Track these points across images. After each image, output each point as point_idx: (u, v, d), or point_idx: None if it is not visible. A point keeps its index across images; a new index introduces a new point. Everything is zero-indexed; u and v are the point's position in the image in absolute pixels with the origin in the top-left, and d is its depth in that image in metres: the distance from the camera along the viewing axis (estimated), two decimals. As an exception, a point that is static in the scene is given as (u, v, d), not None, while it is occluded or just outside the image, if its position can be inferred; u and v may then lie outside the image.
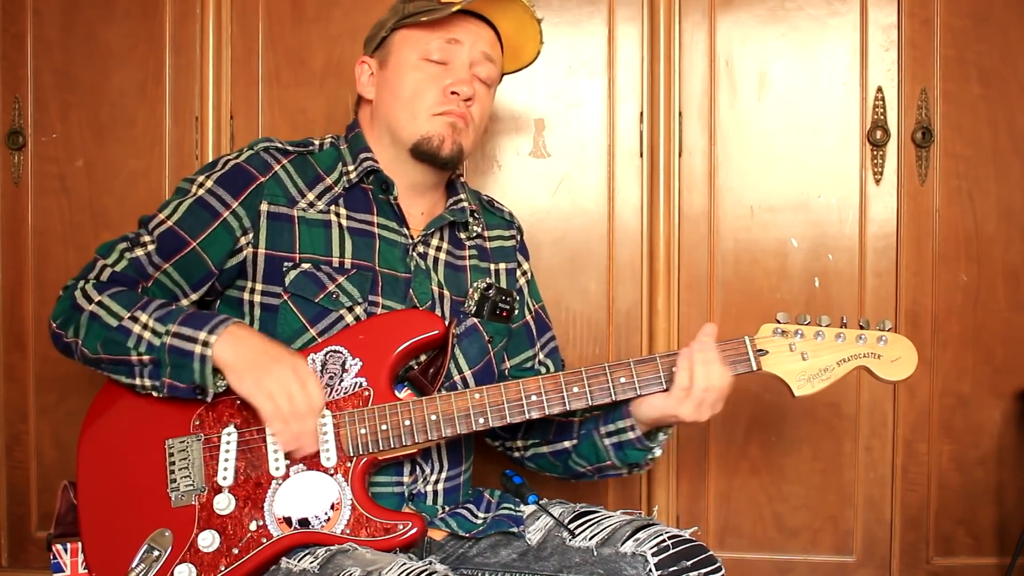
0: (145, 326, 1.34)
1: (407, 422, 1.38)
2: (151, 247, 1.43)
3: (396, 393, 1.41)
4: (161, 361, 1.34)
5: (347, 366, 1.41)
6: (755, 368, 1.40)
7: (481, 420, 1.39)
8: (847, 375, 1.41)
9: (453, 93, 1.47)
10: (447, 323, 1.45)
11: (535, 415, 1.40)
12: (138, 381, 1.37)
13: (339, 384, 1.40)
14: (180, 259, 1.43)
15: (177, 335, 1.33)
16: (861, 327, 1.41)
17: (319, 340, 1.42)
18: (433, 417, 1.39)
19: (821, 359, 1.40)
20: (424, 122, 1.48)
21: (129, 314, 1.36)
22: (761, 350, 1.40)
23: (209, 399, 1.36)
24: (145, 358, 1.34)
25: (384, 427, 1.38)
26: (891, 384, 1.42)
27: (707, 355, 1.39)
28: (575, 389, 1.40)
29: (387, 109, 1.52)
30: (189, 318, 1.35)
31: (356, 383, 1.40)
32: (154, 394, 1.37)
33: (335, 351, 1.41)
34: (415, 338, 1.42)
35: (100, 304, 1.38)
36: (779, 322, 1.41)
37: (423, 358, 1.47)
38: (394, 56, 1.52)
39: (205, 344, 1.32)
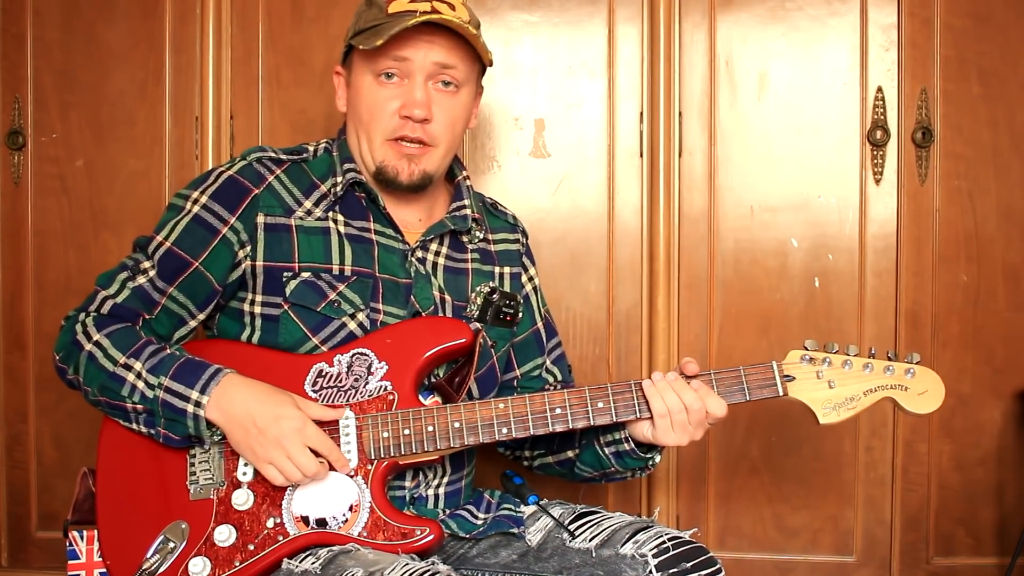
0: (139, 375, 1.33)
1: (430, 428, 1.37)
2: (152, 272, 1.41)
3: (421, 399, 1.40)
4: (155, 412, 1.33)
5: (373, 369, 1.40)
6: (781, 393, 1.39)
7: (504, 430, 1.38)
8: (872, 406, 1.40)
9: (406, 116, 1.44)
10: (476, 332, 1.44)
11: (559, 428, 1.38)
12: (135, 427, 1.37)
13: (364, 387, 1.40)
14: (184, 280, 1.41)
15: (169, 390, 1.32)
16: (889, 358, 1.40)
17: (324, 350, 1.41)
18: (456, 425, 1.38)
19: (848, 388, 1.39)
20: (379, 149, 1.46)
21: (124, 360, 1.34)
22: (788, 376, 1.39)
23: (206, 447, 1.37)
24: (140, 407, 1.34)
25: (407, 432, 1.37)
26: (916, 417, 1.42)
27: (673, 382, 1.39)
28: (600, 404, 1.39)
29: (354, 128, 1.50)
30: (180, 370, 1.33)
31: (381, 386, 1.39)
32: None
33: (361, 353, 1.40)
34: (443, 345, 1.41)
35: (97, 344, 1.37)
36: (807, 349, 1.40)
37: (452, 365, 1.46)
38: (353, 75, 1.49)
39: (197, 404, 1.31)
